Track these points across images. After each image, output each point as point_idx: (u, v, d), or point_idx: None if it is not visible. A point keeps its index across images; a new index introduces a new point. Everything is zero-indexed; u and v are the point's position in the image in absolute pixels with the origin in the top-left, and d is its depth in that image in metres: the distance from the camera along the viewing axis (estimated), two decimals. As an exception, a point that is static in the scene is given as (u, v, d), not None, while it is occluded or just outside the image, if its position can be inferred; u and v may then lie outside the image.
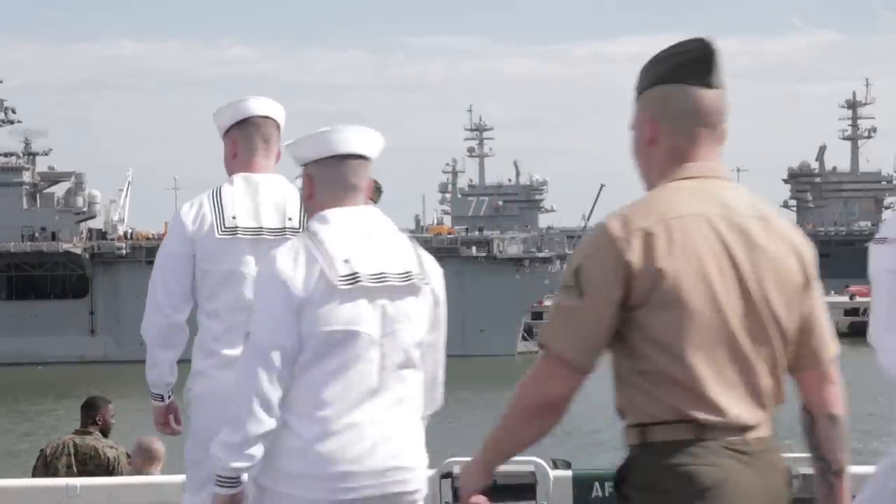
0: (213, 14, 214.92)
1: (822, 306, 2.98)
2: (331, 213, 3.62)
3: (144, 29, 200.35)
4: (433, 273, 3.68)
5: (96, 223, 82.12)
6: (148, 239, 72.75)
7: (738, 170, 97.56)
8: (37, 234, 76.05)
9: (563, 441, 32.27)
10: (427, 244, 73.40)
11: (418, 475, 3.64)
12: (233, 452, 3.47)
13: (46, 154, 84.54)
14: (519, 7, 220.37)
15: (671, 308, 2.76)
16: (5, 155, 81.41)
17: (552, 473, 6.53)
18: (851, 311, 78.56)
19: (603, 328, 2.79)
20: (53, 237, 75.48)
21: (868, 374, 7.15)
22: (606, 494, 6.63)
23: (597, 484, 6.66)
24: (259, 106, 4.68)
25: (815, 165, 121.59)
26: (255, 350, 3.48)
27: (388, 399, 3.54)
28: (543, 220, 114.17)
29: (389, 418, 3.54)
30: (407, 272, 3.58)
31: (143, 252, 68.23)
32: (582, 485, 6.66)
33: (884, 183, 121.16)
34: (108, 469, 7.78)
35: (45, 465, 7.83)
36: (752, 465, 2.80)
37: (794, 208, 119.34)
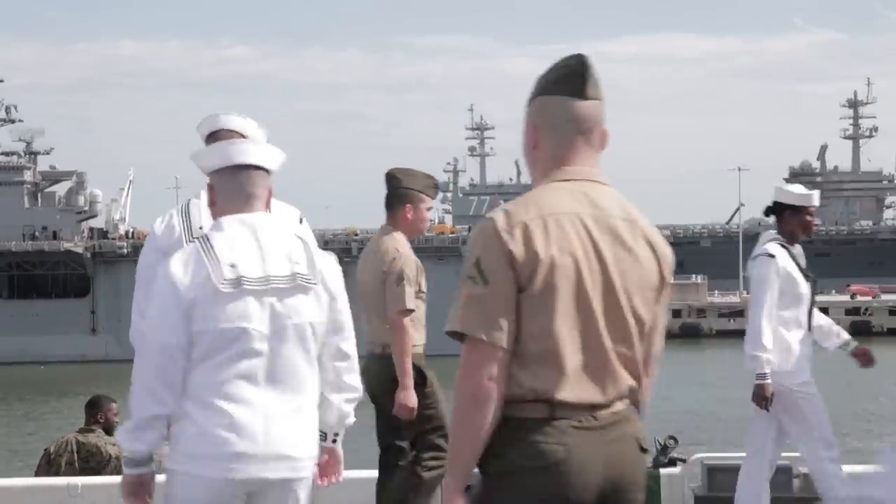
0: (213, 14, 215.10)
1: (665, 307, 3.30)
2: (226, 220, 3.95)
3: (144, 29, 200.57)
4: (327, 272, 3.98)
5: (97, 222, 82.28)
6: (149, 238, 72.70)
7: (740, 169, 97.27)
8: (38, 234, 76.13)
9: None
10: (428, 243, 73.77)
11: (307, 464, 3.93)
12: (129, 437, 3.85)
13: (48, 153, 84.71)
14: (519, 7, 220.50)
15: (544, 293, 3.06)
16: (6, 154, 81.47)
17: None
18: (852, 311, 78.50)
19: (510, 308, 3.07)
20: (55, 236, 75.56)
21: (868, 373, 7.16)
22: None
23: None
24: (227, 121, 4.77)
25: (816, 165, 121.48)
26: (146, 346, 3.85)
27: (280, 390, 3.86)
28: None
29: (281, 408, 3.85)
30: (293, 274, 3.89)
31: (145, 251, 68.17)
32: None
33: (885, 182, 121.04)
34: (109, 466, 7.80)
35: (49, 463, 7.87)
36: (600, 437, 3.10)
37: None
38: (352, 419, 4.14)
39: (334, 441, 4.18)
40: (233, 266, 3.83)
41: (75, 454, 7.86)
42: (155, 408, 3.80)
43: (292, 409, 3.86)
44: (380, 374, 6.06)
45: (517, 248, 3.06)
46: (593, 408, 3.10)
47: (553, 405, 3.07)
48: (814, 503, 6.92)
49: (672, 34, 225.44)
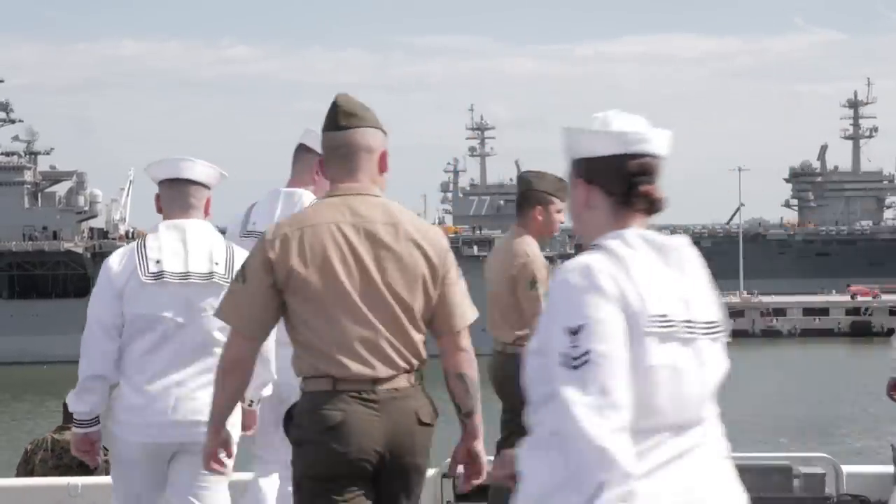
0: (213, 14, 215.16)
1: (455, 289, 3.93)
2: (163, 225, 4.76)
3: (145, 28, 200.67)
4: None
5: (98, 222, 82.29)
6: (149, 238, 72.60)
7: (740, 169, 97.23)
8: (38, 234, 76.11)
9: (565, 440, 32.14)
10: (428, 243, 73.57)
11: None
12: (73, 399, 4.76)
13: (48, 153, 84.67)
14: (520, 7, 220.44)
15: (302, 292, 3.75)
16: (6, 154, 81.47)
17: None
18: (853, 311, 78.43)
19: (260, 304, 3.78)
20: (55, 236, 75.56)
21: (869, 373, 7.16)
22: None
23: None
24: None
25: (816, 165, 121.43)
26: (88, 322, 4.67)
27: (193, 369, 4.63)
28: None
29: (194, 384, 4.61)
30: (211, 272, 4.66)
31: (145, 251, 68.07)
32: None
33: (885, 182, 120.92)
34: (82, 463, 7.80)
35: (26, 461, 7.88)
36: (378, 409, 3.72)
37: (796, 208, 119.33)
38: (268, 392, 4.85)
39: (251, 405, 4.86)
40: (157, 262, 4.63)
41: (49, 451, 7.86)
42: (93, 369, 4.64)
43: (201, 385, 4.56)
44: (506, 369, 6.15)
45: (274, 256, 3.75)
46: (374, 382, 3.72)
47: (335, 380, 3.71)
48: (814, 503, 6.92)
49: (672, 34, 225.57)
